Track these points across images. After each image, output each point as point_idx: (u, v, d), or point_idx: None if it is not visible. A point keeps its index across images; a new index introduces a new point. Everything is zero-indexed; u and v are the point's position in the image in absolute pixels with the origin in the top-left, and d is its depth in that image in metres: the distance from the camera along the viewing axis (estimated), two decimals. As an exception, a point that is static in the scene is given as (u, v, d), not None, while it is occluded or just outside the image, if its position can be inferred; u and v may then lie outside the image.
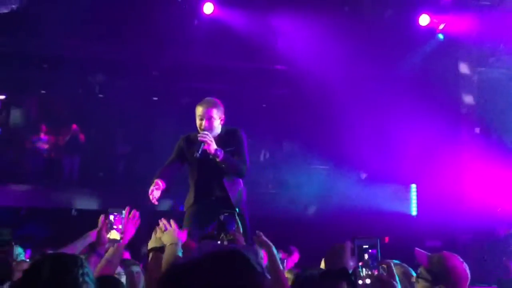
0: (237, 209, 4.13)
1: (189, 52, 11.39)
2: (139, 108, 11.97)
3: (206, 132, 4.26)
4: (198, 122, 4.38)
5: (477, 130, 10.66)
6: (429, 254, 2.85)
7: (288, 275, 4.65)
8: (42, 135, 12.89)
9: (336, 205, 10.47)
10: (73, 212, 10.33)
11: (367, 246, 1.67)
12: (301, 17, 10.18)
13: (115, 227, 2.99)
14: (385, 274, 1.70)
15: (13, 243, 3.07)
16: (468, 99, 10.88)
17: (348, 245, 1.69)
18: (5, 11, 7.89)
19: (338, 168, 11.29)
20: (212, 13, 10.23)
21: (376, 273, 1.66)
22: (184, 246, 2.87)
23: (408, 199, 11.52)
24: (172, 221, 3.00)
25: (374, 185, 11.04)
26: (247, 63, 12.21)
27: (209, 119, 4.34)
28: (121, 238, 3.00)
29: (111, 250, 2.93)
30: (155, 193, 3.99)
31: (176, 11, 10.35)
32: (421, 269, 2.70)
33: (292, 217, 10.82)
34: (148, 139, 12.55)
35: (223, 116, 4.45)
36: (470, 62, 10.87)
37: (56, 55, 12.01)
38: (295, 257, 8.14)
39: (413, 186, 11.59)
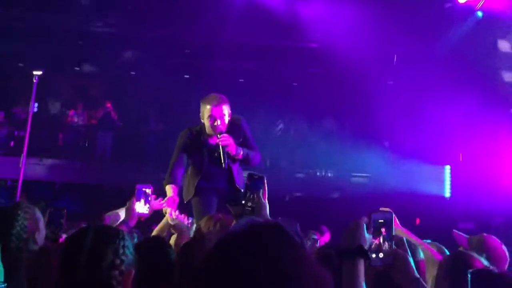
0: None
1: (221, 30, 11.35)
2: (171, 86, 12.04)
3: (224, 135, 4.26)
4: (209, 121, 4.31)
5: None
6: (468, 236, 2.83)
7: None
8: (77, 112, 13.14)
9: (370, 185, 10.40)
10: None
11: (382, 221, 1.71)
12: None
13: (142, 200, 3.11)
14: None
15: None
16: (507, 77, 10.54)
17: (364, 220, 1.70)
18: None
19: (371, 148, 11.16)
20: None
21: (388, 246, 1.71)
22: (223, 222, 2.94)
23: (442, 181, 11.34)
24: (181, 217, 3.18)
25: (408, 165, 10.89)
26: (278, 40, 12.11)
27: (222, 117, 4.30)
28: (148, 211, 3.15)
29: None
30: (173, 214, 3.75)
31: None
32: (460, 250, 2.69)
33: (324, 197, 10.81)
34: (181, 117, 12.65)
35: (230, 110, 4.40)
36: (509, 39, 10.51)
37: (91, 32, 12.16)
38: (327, 237, 8.15)
39: (447, 167, 11.39)
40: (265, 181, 2.37)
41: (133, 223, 3.06)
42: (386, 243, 1.71)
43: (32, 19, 11.36)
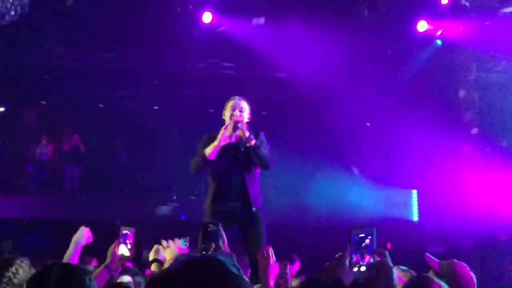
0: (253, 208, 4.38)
1: (189, 61, 11.45)
2: (140, 117, 12.01)
3: (240, 114, 4.44)
4: (229, 112, 4.52)
5: (475, 130, 10.67)
6: (439, 260, 2.92)
7: (294, 284, 4.64)
8: (43, 146, 12.93)
9: (337, 211, 10.47)
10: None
11: (363, 235, 1.74)
12: (300, 24, 10.23)
13: (128, 241, 3.02)
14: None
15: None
16: (468, 103, 10.91)
17: (347, 252, 1.73)
18: (4, 23, 7.93)
19: (338, 174, 11.30)
20: (211, 22, 10.29)
21: (371, 259, 1.73)
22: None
23: (409, 205, 11.52)
24: (175, 240, 3.07)
25: (375, 190, 11.06)
26: (246, 71, 12.27)
27: (241, 110, 4.52)
28: (131, 254, 3.04)
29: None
30: None
31: (175, 21, 10.41)
32: (431, 274, 2.76)
33: (293, 224, 10.83)
34: (149, 148, 12.58)
35: (250, 115, 4.59)
36: (469, 67, 10.92)
37: (57, 66, 12.08)
38: (297, 265, 8.12)
39: (414, 191, 11.59)
40: (221, 228, 2.38)
41: (114, 266, 2.93)
42: (368, 257, 1.73)
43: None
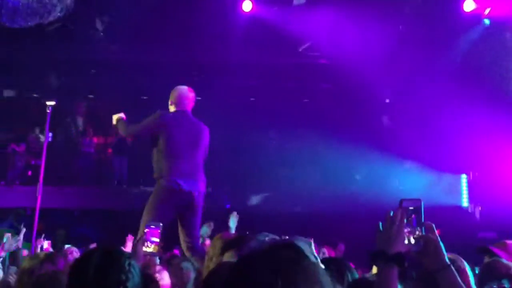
0: None
1: (230, 50, 11.47)
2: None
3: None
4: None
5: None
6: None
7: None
8: (91, 138, 13.30)
9: (383, 197, 10.32)
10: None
11: (412, 208, 1.74)
12: (341, 9, 10.07)
13: (153, 238, 3.00)
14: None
15: None
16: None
17: (402, 221, 1.69)
18: (51, 19, 8.17)
19: (384, 161, 11.11)
20: (251, 10, 10.27)
21: (418, 233, 1.71)
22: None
23: (458, 190, 11.24)
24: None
25: (423, 176, 10.82)
26: (288, 58, 12.19)
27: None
28: (158, 249, 3.02)
29: None
30: None
31: (214, 11, 10.44)
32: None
33: (340, 211, 10.74)
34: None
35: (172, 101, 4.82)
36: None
37: (102, 60, 12.36)
38: (341, 248, 8.10)
39: (463, 176, 11.29)
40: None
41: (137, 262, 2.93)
42: (417, 230, 1.72)
43: (45, 50, 11.58)
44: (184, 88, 4.87)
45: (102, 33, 11.23)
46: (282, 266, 1.08)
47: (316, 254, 1.26)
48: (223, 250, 2.83)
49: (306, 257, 1.13)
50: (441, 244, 1.72)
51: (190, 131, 4.68)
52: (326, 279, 1.13)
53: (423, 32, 10.51)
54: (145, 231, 3.01)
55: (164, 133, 4.57)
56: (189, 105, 4.81)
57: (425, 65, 10.84)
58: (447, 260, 1.70)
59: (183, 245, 4.55)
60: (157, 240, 2.99)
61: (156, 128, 4.61)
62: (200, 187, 4.61)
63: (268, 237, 2.06)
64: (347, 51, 10.47)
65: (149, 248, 2.97)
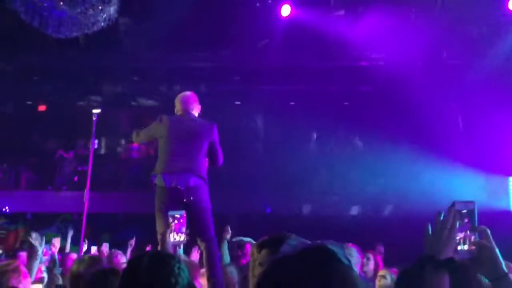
0: None
1: (269, 54, 11.50)
2: (223, 113, 12.25)
3: None
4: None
5: None
6: None
7: (382, 273, 4.57)
8: (135, 145, 13.57)
9: (428, 200, 10.10)
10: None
11: (465, 211, 1.62)
12: (381, 10, 9.95)
13: (179, 226, 3.06)
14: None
15: None
16: None
17: (454, 225, 1.58)
18: (95, 29, 8.40)
19: (428, 163, 10.87)
20: (289, 14, 10.27)
21: (473, 238, 1.60)
22: None
23: (505, 193, 10.86)
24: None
25: (469, 178, 10.53)
26: (327, 62, 12.12)
27: None
28: (185, 238, 3.03)
29: None
30: None
31: (254, 15, 10.50)
32: None
33: (379, 213, 10.59)
34: (233, 142, 12.82)
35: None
36: None
37: (143, 68, 12.62)
38: (381, 249, 7.98)
39: (511, 179, 10.92)
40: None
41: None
42: (470, 234, 1.61)
43: (89, 58, 11.92)
44: (185, 94, 5.07)
45: (143, 40, 11.47)
46: (314, 269, 1.07)
47: (349, 258, 1.24)
48: (259, 249, 2.84)
49: (339, 260, 1.11)
50: (497, 250, 1.59)
51: (185, 128, 4.74)
52: (359, 282, 1.11)
53: (465, 31, 10.26)
54: (171, 222, 3.02)
55: (161, 134, 4.72)
56: (190, 106, 4.93)
57: (468, 63, 10.58)
58: (504, 268, 1.57)
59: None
60: (184, 229, 3.01)
61: (156, 130, 4.78)
62: (190, 181, 4.52)
63: (299, 241, 2.02)
64: (389, 53, 10.33)
65: (178, 237, 2.98)
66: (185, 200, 4.47)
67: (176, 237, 2.99)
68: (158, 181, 4.53)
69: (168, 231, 3.03)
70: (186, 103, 4.91)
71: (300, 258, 1.10)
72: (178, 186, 4.47)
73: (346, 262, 1.13)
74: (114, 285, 2.33)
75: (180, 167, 4.54)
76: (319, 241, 1.25)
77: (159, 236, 3.24)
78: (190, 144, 4.66)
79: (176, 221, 3.03)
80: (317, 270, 1.06)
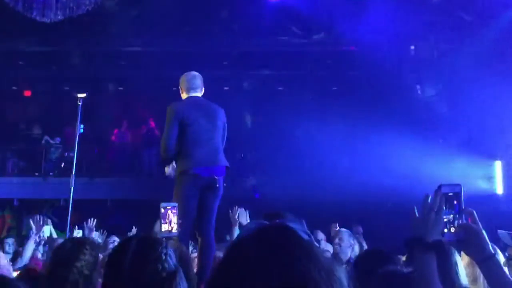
0: None
1: (258, 39, 11.44)
2: (211, 98, 12.20)
3: None
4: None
5: None
6: None
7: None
8: (122, 130, 13.49)
9: (414, 184, 10.17)
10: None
11: (451, 194, 1.63)
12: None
13: (169, 218, 3.01)
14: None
15: None
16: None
17: (440, 207, 1.59)
18: (80, 12, 8.28)
19: (415, 147, 10.93)
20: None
21: (459, 220, 1.62)
22: None
23: (492, 176, 10.97)
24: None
25: (455, 162, 10.61)
26: (315, 46, 12.09)
27: None
28: (177, 230, 3.01)
29: None
30: None
31: (241, 1, 10.42)
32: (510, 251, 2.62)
33: (371, 200, 10.64)
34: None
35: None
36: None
37: (132, 52, 12.50)
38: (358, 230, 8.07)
39: (497, 163, 11.02)
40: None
41: None
42: (457, 217, 1.62)
43: (74, 44, 11.78)
44: (191, 73, 4.85)
45: (131, 25, 11.35)
46: (273, 248, 1.02)
47: (309, 232, 1.21)
48: None
49: (298, 236, 1.07)
50: (484, 232, 1.60)
51: (206, 115, 4.61)
52: (322, 256, 1.06)
53: (454, 15, 10.28)
54: (163, 212, 3.00)
55: (182, 122, 4.53)
56: (199, 88, 4.77)
57: (455, 46, 10.60)
58: (491, 249, 1.59)
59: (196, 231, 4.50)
60: (175, 220, 3.00)
61: (177, 121, 4.54)
62: (220, 171, 4.52)
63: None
64: (376, 37, 10.31)
65: (170, 228, 2.97)
66: (211, 189, 4.46)
67: (168, 228, 2.97)
68: (194, 174, 4.42)
69: (160, 222, 3.01)
70: (194, 84, 4.74)
71: (259, 239, 1.06)
72: (212, 177, 4.45)
73: (306, 237, 1.10)
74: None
75: (211, 157, 4.50)
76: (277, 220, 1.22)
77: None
78: (213, 132, 4.59)
79: (169, 212, 3.01)
80: (277, 247, 1.02)
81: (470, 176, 10.44)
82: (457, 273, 2.16)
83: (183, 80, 4.79)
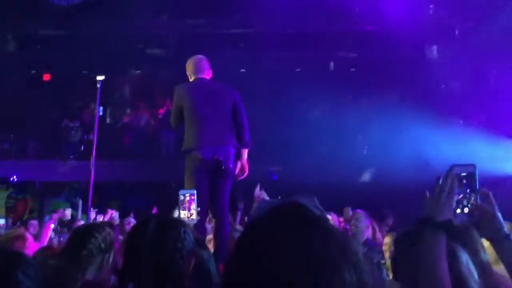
0: None
1: (275, 20, 11.34)
2: (228, 80, 12.17)
3: None
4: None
5: None
6: None
7: (387, 240, 4.58)
8: (140, 113, 13.56)
9: (432, 165, 10.06)
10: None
11: (465, 174, 1.60)
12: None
13: (189, 205, 3.02)
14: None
15: None
16: None
17: (452, 188, 1.57)
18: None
19: (435, 127, 10.79)
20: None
21: (472, 201, 1.58)
22: None
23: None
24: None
25: (475, 142, 10.45)
26: (332, 27, 11.94)
27: None
28: (196, 217, 3.00)
29: None
30: None
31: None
32: None
33: (387, 179, 10.57)
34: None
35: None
36: None
37: (149, 35, 12.50)
38: (390, 221, 7.97)
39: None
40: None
41: None
42: (471, 198, 1.58)
43: (91, 26, 11.80)
44: (198, 56, 4.87)
45: (148, 8, 11.33)
46: (286, 226, 1.04)
47: (320, 207, 1.21)
48: None
49: (310, 212, 1.08)
50: (499, 214, 1.57)
51: (210, 95, 4.61)
52: (335, 229, 1.08)
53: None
54: (182, 199, 3.00)
55: (185, 103, 4.58)
56: (206, 71, 4.79)
57: (478, 28, 10.38)
58: (506, 230, 1.56)
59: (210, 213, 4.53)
60: (194, 206, 3.01)
61: (178, 102, 4.62)
62: (224, 151, 4.50)
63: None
64: (393, 17, 10.15)
65: (189, 215, 2.98)
66: (219, 169, 4.45)
67: (188, 214, 2.98)
68: (199, 154, 4.45)
69: (178, 209, 3.01)
70: (200, 66, 4.78)
71: (272, 219, 1.07)
72: (218, 158, 4.44)
73: (318, 212, 1.10)
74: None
75: (216, 137, 4.49)
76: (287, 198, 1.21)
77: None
78: (219, 112, 4.58)
79: (188, 198, 3.01)
80: (290, 229, 1.03)
81: (491, 157, 10.28)
82: (485, 251, 2.14)
83: (189, 64, 4.85)
